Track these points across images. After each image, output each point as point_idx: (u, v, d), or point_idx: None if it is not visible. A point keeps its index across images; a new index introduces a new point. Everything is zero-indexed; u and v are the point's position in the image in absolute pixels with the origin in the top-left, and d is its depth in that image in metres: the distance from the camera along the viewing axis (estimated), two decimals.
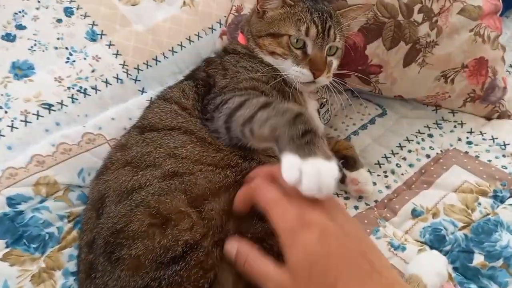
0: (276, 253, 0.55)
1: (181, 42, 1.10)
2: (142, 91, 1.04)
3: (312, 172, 0.52)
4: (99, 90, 0.99)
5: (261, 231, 0.64)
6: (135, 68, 1.04)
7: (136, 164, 0.74)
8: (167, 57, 1.08)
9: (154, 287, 0.61)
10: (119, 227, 0.66)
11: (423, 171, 1.01)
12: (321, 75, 0.89)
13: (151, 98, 0.96)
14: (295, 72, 0.89)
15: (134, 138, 0.80)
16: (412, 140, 1.09)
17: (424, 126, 1.12)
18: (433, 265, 0.76)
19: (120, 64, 1.02)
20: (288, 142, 0.56)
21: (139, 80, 1.04)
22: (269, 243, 0.61)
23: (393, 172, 1.02)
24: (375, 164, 1.04)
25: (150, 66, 1.06)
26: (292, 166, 0.53)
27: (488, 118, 1.14)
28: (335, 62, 0.95)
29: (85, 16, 1.04)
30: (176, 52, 1.09)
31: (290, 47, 0.90)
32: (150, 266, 0.61)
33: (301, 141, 0.56)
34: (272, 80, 0.87)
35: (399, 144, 1.08)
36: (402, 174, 1.01)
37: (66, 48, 1.01)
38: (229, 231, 0.64)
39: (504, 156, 1.02)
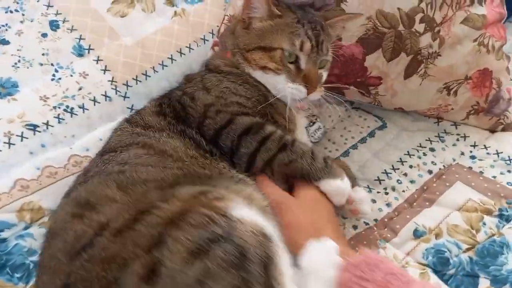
0: None
1: (171, 56, 1.06)
2: (131, 108, 1.00)
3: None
4: (87, 109, 0.95)
5: None
6: (124, 84, 1.00)
7: (87, 179, 0.73)
8: (157, 71, 1.04)
9: (72, 284, 0.56)
10: (51, 231, 0.68)
11: (425, 187, 0.97)
12: (314, 91, 0.87)
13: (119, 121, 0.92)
14: (291, 89, 0.86)
15: (94, 161, 0.80)
16: (413, 155, 1.05)
17: (426, 140, 1.08)
18: None
19: (109, 81, 0.99)
20: (320, 172, 0.77)
21: (128, 97, 1.00)
22: None
23: (393, 188, 0.98)
24: (375, 180, 1.00)
25: (140, 81, 1.02)
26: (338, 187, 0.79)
27: (492, 130, 1.10)
28: (324, 75, 0.94)
29: (72, 29, 1.01)
30: (166, 66, 1.05)
31: (283, 61, 0.86)
32: (65, 260, 0.58)
33: (327, 168, 0.79)
34: (258, 105, 0.85)
35: (400, 158, 1.04)
36: (403, 191, 0.97)
37: (52, 65, 0.97)
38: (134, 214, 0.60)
39: (509, 171, 0.98)
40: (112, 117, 0.97)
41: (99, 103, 0.97)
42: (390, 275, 0.58)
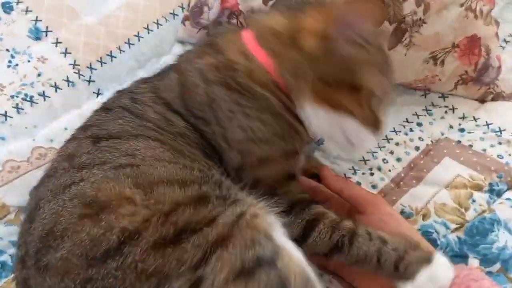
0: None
1: (138, 33, 0.98)
2: (98, 93, 0.94)
3: None
4: (48, 97, 0.89)
5: None
6: (87, 67, 0.93)
7: (82, 166, 0.63)
8: (123, 51, 0.97)
9: None
10: (48, 227, 0.56)
11: (412, 165, 0.93)
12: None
13: (105, 104, 0.78)
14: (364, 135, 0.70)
15: (85, 147, 0.66)
16: (400, 131, 0.99)
17: (413, 114, 1.02)
18: None
19: (70, 64, 0.92)
20: (390, 277, 0.65)
21: (93, 81, 0.94)
22: None
23: (379, 168, 0.93)
24: (360, 161, 0.95)
25: (105, 63, 0.95)
26: None
27: (482, 100, 1.05)
28: None
29: (27, 11, 0.93)
30: (133, 44, 0.98)
31: (370, 105, 0.68)
32: (81, 265, 0.52)
33: (398, 273, 0.64)
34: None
35: (386, 136, 0.98)
36: (390, 171, 0.92)
37: (7, 50, 0.90)
38: (179, 222, 0.55)
39: (500, 143, 0.94)
40: (77, 104, 0.91)
41: (61, 89, 0.90)
42: None
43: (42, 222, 0.57)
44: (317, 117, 0.69)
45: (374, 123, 0.70)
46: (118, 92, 0.79)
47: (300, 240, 0.67)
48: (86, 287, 0.51)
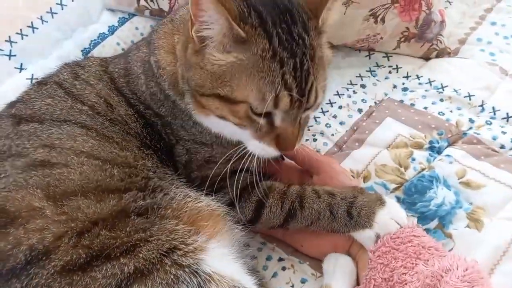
0: None
1: (60, 0, 0.91)
2: (20, 69, 0.88)
3: None
4: None
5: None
6: (6, 40, 0.87)
7: None
8: (46, 21, 0.90)
9: None
10: None
11: (355, 128, 0.91)
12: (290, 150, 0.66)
13: (38, 78, 0.74)
14: (256, 147, 0.63)
15: (4, 129, 0.63)
16: (343, 94, 0.97)
17: (356, 76, 1.00)
18: (342, 270, 0.67)
19: None
20: (345, 227, 0.66)
21: (14, 55, 0.87)
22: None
23: (322, 133, 0.91)
24: None
25: (26, 35, 0.88)
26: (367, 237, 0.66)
27: (426, 58, 1.03)
28: (311, 114, 0.70)
29: None
30: (55, 13, 0.91)
31: (249, 116, 0.60)
32: None
33: (352, 221, 0.66)
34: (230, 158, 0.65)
35: (329, 100, 0.96)
36: (333, 135, 0.90)
37: None
38: (93, 246, 0.51)
39: (441, 100, 0.93)
40: None
41: None
42: (422, 248, 0.62)
43: None
44: (206, 122, 0.66)
45: (266, 135, 0.62)
46: (65, 63, 0.74)
47: (254, 221, 0.67)
48: None
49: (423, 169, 0.81)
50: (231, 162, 0.64)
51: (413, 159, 0.82)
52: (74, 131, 0.62)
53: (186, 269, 0.51)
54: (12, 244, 0.50)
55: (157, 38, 0.69)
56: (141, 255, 0.51)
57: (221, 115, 0.61)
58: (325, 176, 0.72)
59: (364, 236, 0.65)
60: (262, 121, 0.59)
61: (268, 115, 0.60)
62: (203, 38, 0.58)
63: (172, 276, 0.50)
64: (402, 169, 0.81)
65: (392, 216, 0.65)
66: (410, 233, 0.63)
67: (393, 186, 0.79)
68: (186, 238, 0.54)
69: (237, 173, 0.66)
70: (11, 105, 0.67)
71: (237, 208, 0.66)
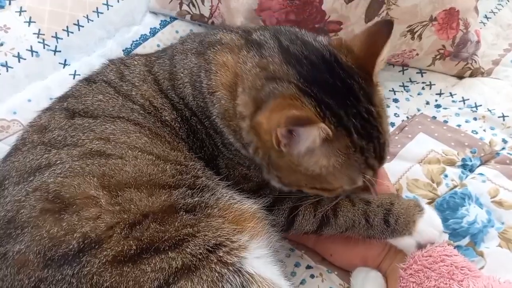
0: None
1: (107, 1, 0.95)
2: (64, 64, 0.90)
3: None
4: (11, 67, 0.86)
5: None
6: (53, 36, 0.90)
7: (52, 144, 0.60)
8: (91, 20, 0.93)
9: None
10: (10, 215, 0.54)
11: None
12: None
13: (81, 74, 0.77)
14: None
15: (58, 121, 0.64)
16: None
17: (390, 90, 1.01)
18: (372, 285, 0.67)
19: (35, 34, 0.88)
20: (382, 235, 0.66)
21: (59, 51, 0.90)
22: None
23: None
24: None
25: (71, 32, 0.91)
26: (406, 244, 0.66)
27: (460, 76, 1.04)
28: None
29: None
30: (101, 13, 0.94)
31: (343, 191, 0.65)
32: (37, 262, 0.50)
33: (389, 228, 0.65)
34: None
35: None
36: None
37: None
38: (143, 238, 0.52)
39: (475, 119, 0.93)
40: (41, 75, 0.88)
41: (25, 59, 0.86)
42: (455, 268, 0.61)
43: (5, 207, 0.55)
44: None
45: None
46: (110, 61, 0.74)
47: (287, 226, 0.68)
48: (40, 287, 0.50)
49: (455, 186, 0.81)
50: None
51: (446, 176, 0.82)
52: (128, 128, 0.62)
53: (230, 268, 0.52)
54: (66, 230, 0.51)
55: (213, 59, 0.66)
56: (188, 249, 0.52)
57: (309, 192, 0.65)
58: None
59: (404, 243, 0.65)
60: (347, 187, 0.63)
61: None
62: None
63: (217, 274, 0.51)
64: (435, 185, 0.81)
65: (430, 223, 0.65)
66: (442, 252, 0.63)
67: (425, 201, 0.79)
68: (231, 236, 0.55)
69: None
70: (62, 99, 0.68)
71: (273, 213, 0.67)
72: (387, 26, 0.61)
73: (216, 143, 0.68)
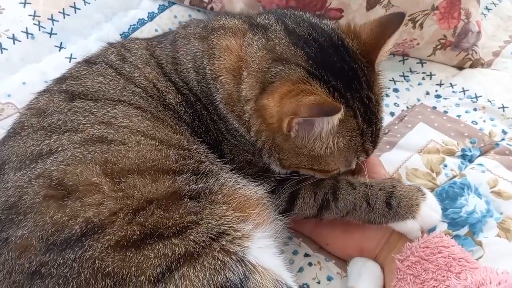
0: None
1: None
2: (60, 47, 0.89)
3: None
4: (5, 49, 0.84)
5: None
6: (48, 19, 0.88)
7: (52, 129, 0.59)
8: (88, 3, 0.91)
9: (45, 276, 0.49)
10: (12, 201, 0.53)
11: (386, 130, 0.91)
12: None
13: (77, 58, 0.75)
14: None
15: (57, 104, 0.62)
16: None
17: (390, 80, 1.00)
18: (369, 275, 0.67)
19: (30, 15, 0.86)
20: (383, 218, 0.65)
21: (55, 34, 0.88)
22: None
23: None
24: None
25: (68, 15, 0.90)
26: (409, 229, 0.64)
27: (460, 67, 1.03)
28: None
29: None
30: None
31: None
32: (39, 247, 0.50)
33: (391, 212, 0.64)
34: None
35: None
36: None
37: None
38: (146, 224, 0.51)
39: (475, 109, 0.92)
40: (37, 58, 0.86)
41: (20, 41, 0.85)
42: (452, 259, 0.60)
43: (6, 193, 0.54)
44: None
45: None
46: (109, 44, 0.73)
47: (288, 210, 0.66)
48: (41, 271, 0.49)
49: (454, 176, 0.81)
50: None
51: (445, 166, 0.82)
52: (129, 111, 0.61)
53: (233, 257, 0.51)
54: (68, 216, 0.50)
55: (216, 43, 0.65)
56: (191, 237, 0.51)
57: (306, 172, 0.65)
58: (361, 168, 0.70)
59: (407, 227, 0.64)
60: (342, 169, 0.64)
61: None
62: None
63: (219, 262, 0.50)
64: (434, 175, 0.81)
65: (433, 208, 0.64)
66: (439, 243, 0.62)
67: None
68: (234, 224, 0.54)
69: None
70: (61, 80, 0.66)
71: (274, 196, 0.66)
72: (399, 17, 0.62)
73: (220, 129, 0.66)
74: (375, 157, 0.75)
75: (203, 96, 0.66)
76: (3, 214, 0.53)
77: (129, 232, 0.50)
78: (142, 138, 0.58)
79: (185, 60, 0.67)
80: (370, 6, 0.93)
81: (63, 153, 0.55)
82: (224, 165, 0.63)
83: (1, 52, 0.83)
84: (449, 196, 0.77)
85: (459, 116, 0.91)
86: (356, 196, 0.65)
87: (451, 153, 0.84)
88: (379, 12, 0.93)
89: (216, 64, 0.64)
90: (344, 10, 0.95)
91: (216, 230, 0.53)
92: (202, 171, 0.59)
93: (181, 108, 0.65)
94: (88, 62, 0.68)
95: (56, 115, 0.60)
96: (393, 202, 0.64)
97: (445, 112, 0.92)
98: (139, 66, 0.67)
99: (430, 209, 0.64)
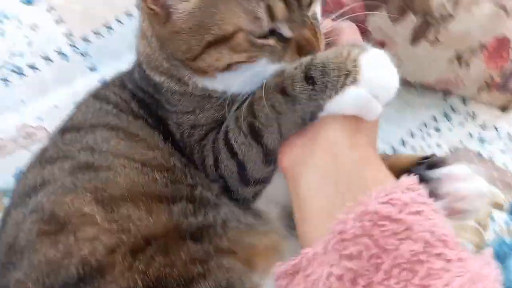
0: None
1: None
2: (92, 69, 0.85)
3: None
4: (38, 69, 0.81)
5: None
6: (82, 39, 0.84)
7: (47, 160, 0.58)
8: (122, 23, 0.88)
9: None
10: (11, 241, 0.51)
11: None
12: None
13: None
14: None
15: (54, 140, 0.63)
16: (417, 135, 0.93)
17: (431, 118, 0.96)
18: None
19: (64, 34, 0.83)
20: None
21: (88, 55, 0.85)
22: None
23: None
24: None
25: (102, 36, 0.86)
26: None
27: (503, 108, 0.99)
28: (318, 8, 0.56)
29: None
30: (132, 15, 0.89)
31: (254, 43, 0.51)
32: None
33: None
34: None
35: (402, 139, 0.92)
36: None
37: None
38: (149, 273, 0.47)
39: None
40: (69, 79, 0.83)
41: (53, 61, 0.82)
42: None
43: (7, 233, 0.52)
44: (216, 84, 0.58)
45: (285, 51, 0.53)
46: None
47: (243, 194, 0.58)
48: None
49: (502, 233, 0.77)
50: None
51: (492, 220, 0.78)
52: (104, 134, 0.59)
53: None
54: (62, 253, 0.47)
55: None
56: None
57: (226, 63, 0.52)
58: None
59: (350, 99, 0.47)
60: (271, 41, 0.51)
61: (274, 33, 0.51)
62: (163, 3, 0.51)
63: None
64: (481, 229, 0.77)
65: (380, 63, 0.48)
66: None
67: (471, 246, 0.75)
68: (243, 277, 0.51)
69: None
70: (63, 121, 0.67)
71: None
72: None
73: (163, 105, 0.61)
74: (347, 26, 0.61)
75: (144, 84, 0.63)
76: (5, 257, 0.51)
77: (131, 282, 0.46)
78: (126, 161, 0.55)
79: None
80: (415, 40, 0.89)
81: (54, 183, 0.53)
82: (215, 189, 0.58)
83: (34, 73, 0.81)
84: (499, 257, 0.72)
85: (505, 164, 0.87)
86: (269, 96, 0.50)
87: (498, 207, 0.80)
88: (424, 47, 0.89)
89: (140, 43, 0.63)
90: (387, 43, 0.90)
91: (224, 283, 0.49)
92: (197, 198, 0.55)
93: (142, 111, 0.62)
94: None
95: (51, 149, 0.60)
96: (314, 73, 0.48)
97: (490, 158, 0.88)
98: (109, 85, 0.67)
99: (378, 65, 0.48)
